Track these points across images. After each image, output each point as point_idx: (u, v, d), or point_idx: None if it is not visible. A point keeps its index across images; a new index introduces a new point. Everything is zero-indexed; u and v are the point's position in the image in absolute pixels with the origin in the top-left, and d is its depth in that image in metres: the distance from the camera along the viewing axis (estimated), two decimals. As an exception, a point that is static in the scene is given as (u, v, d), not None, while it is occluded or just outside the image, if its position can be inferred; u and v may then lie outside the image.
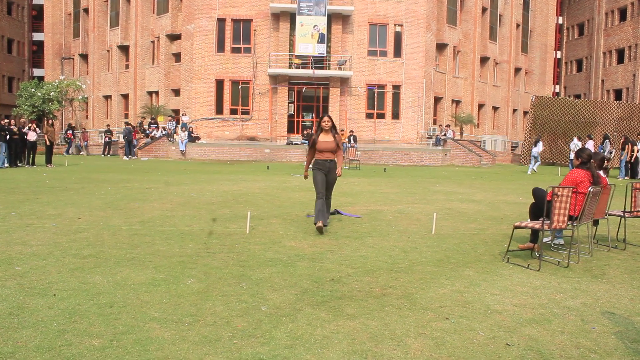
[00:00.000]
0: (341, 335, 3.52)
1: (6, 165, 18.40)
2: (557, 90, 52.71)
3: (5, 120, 18.93)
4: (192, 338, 3.40)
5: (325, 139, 7.33)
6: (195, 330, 3.53)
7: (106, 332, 3.45)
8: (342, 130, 28.63)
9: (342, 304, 4.16)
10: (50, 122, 22.48)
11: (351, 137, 26.73)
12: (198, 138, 28.76)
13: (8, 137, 18.38)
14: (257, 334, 3.49)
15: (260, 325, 3.67)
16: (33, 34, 51.17)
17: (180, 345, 3.28)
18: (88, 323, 3.60)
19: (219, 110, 31.54)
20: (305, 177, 7.85)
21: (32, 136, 19.66)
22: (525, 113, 41.03)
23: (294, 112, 32.22)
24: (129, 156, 27.09)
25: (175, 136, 27.94)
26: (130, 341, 3.31)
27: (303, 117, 32.59)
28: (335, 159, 7.41)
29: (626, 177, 20.64)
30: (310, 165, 7.71)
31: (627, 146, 21.50)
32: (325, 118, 7.40)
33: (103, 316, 3.74)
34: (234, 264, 5.34)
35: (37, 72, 49.38)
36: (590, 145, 22.88)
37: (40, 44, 48.28)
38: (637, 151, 21.02)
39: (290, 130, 31.59)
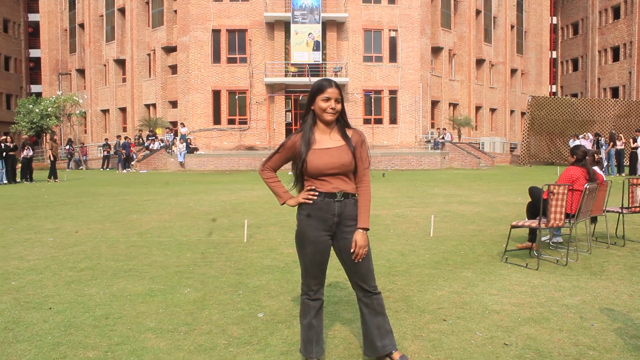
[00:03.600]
0: (337, 340, 3.50)
1: (4, 181, 18.40)
2: (554, 90, 52.79)
3: (3, 137, 18.95)
4: (187, 347, 3.38)
5: (326, 142, 3.00)
6: (190, 339, 3.50)
7: (101, 343, 3.43)
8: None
9: (339, 309, 4.13)
10: (54, 137, 22.66)
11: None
12: (196, 149, 28.77)
13: (4, 154, 18.40)
14: (253, 341, 3.47)
15: (256, 332, 3.64)
16: (30, 50, 51.31)
17: (176, 354, 3.26)
18: (83, 335, 3.58)
19: (217, 120, 31.60)
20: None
21: (26, 152, 19.69)
22: (522, 114, 41.05)
23: (291, 120, 32.26)
24: (126, 169, 27.14)
25: (173, 148, 27.97)
26: (126, 352, 3.29)
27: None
28: (355, 194, 3.02)
29: (623, 174, 20.60)
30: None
31: (617, 140, 21.78)
32: (331, 89, 2.93)
33: (98, 328, 3.72)
34: (231, 272, 5.32)
35: (34, 88, 49.49)
36: (585, 143, 22.95)
37: (37, 61, 48.46)
38: (638, 147, 20.98)
39: (289, 138, 31.60)
